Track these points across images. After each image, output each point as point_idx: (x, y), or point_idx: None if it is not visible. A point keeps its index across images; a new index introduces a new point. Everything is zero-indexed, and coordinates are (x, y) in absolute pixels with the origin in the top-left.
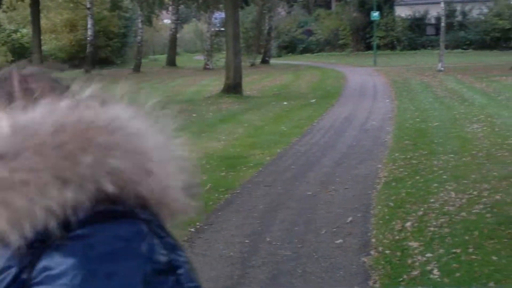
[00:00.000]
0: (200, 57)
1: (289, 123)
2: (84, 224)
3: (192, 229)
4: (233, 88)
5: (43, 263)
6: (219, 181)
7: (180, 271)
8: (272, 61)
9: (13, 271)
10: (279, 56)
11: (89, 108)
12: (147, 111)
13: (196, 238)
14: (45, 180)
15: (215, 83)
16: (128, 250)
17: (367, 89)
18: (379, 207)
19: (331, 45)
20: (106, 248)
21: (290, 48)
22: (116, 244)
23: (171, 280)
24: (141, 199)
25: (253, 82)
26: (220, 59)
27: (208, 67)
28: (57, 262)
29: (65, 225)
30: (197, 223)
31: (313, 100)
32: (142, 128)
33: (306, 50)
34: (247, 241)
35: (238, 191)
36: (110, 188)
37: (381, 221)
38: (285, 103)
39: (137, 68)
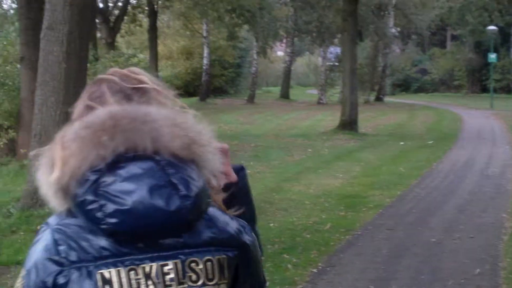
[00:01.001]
0: (313, 91)
1: (407, 164)
2: (124, 159)
3: (314, 270)
4: (349, 124)
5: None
6: (339, 220)
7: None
8: (386, 99)
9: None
10: (392, 94)
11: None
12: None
13: (318, 279)
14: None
15: (329, 118)
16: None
17: (485, 133)
18: (508, 259)
19: (446, 85)
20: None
21: (404, 86)
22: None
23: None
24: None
25: (368, 119)
26: (334, 94)
27: (321, 101)
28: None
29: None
30: (319, 264)
31: (431, 142)
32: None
33: (420, 89)
34: (371, 287)
35: (359, 233)
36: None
37: (511, 275)
38: (401, 143)
39: (251, 99)
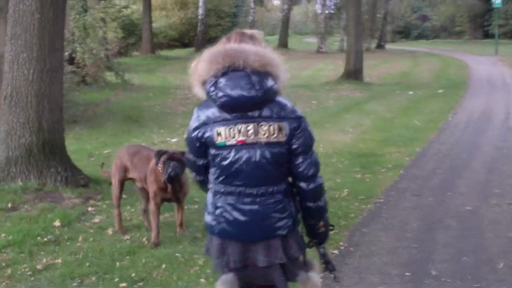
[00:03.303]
0: (310, 40)
1: (420, 116)
2: (229, 71)
3: (336, 252)
4: (353, 74)
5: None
6: (356, 185)
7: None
8: (387, 46)
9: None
10: (393, 41)
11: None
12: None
13: (342, 264)
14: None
15: (330, 67)
16: None
17: (496, 80)
18: None
19: (447, 31)
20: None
21: (404, 33)
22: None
23: None
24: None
25: (371, 67)
26: (333, 42)
27: (321, 50)
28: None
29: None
30: (340, 243)
31: (441, 91)
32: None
33: (420, 36)
34: (407, 273)
35: (381, 200)
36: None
37: None
38: (410, 92)
39: None
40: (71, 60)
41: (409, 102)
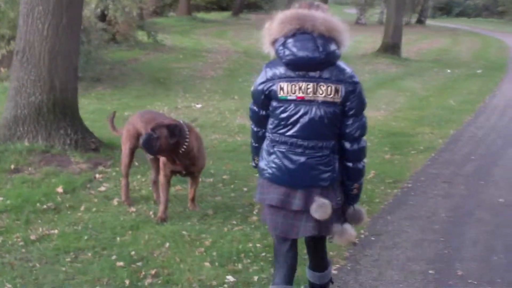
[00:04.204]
0: (351, 10)
1: (457, 97)
2: (297, 33)
3: (355, 240)
4: (391, 48)
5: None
6: (384, 167)
7: None
8: (427, 21)
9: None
10: (433, 17)
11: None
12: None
13: (361, 256)
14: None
15: (368, 40)
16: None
17: None
18: None
19: (489, 10)
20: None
21: (445, 10)
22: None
23: None
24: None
25: (409, 43)
26: (373, 14)
27: (360, 21)
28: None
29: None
30: (361, 231)
31: (479, 71)
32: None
33: (462, 14)
34: (431, 271)
35: (409, 185)
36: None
37: None
38: (448, 70)
39: None
40: (103, 17)
41: (446, 81)
